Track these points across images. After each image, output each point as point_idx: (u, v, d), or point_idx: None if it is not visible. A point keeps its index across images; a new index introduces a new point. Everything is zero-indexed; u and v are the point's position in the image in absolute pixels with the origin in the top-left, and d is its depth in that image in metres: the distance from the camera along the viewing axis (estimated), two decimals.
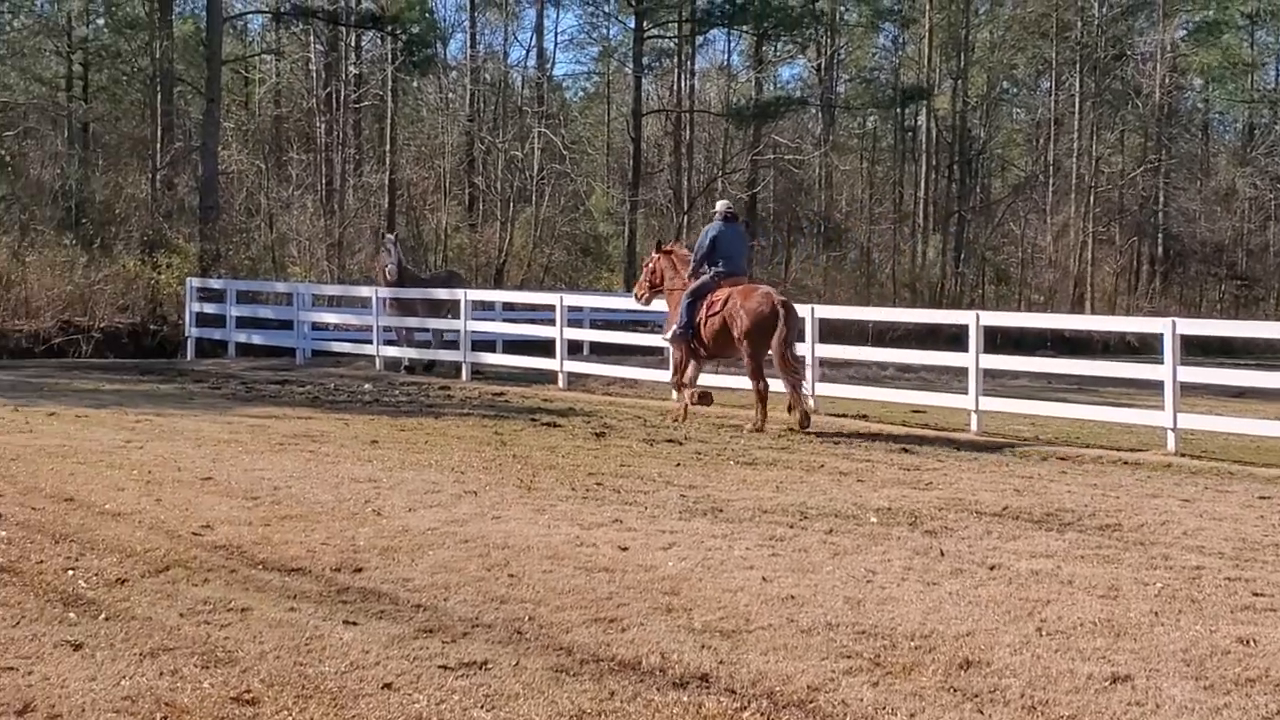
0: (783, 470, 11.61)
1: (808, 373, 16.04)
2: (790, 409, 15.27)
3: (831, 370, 18.57)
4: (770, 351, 15.00)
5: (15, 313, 29.40)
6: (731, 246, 15.91)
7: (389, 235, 25.18)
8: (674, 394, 16.70)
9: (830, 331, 18.60)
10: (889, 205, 48.68)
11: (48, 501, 9.03)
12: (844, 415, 16.40)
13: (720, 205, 17.13)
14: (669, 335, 16.32)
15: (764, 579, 7.25)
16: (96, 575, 7.01)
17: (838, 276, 43.12)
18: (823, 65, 46.67)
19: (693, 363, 15.92)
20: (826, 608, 6.68)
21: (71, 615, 6.24)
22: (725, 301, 15.32)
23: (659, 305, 17.23)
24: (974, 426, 15.24)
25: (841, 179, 50.01)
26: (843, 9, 47.70)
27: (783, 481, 10.89)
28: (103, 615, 6.24)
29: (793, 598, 6.86)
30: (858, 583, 7.21)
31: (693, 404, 15.73)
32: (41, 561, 7.29)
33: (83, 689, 5.23)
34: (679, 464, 11.81)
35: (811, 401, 15.86)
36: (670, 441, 13.44)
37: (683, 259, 16.40)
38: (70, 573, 7.05)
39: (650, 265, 17.26)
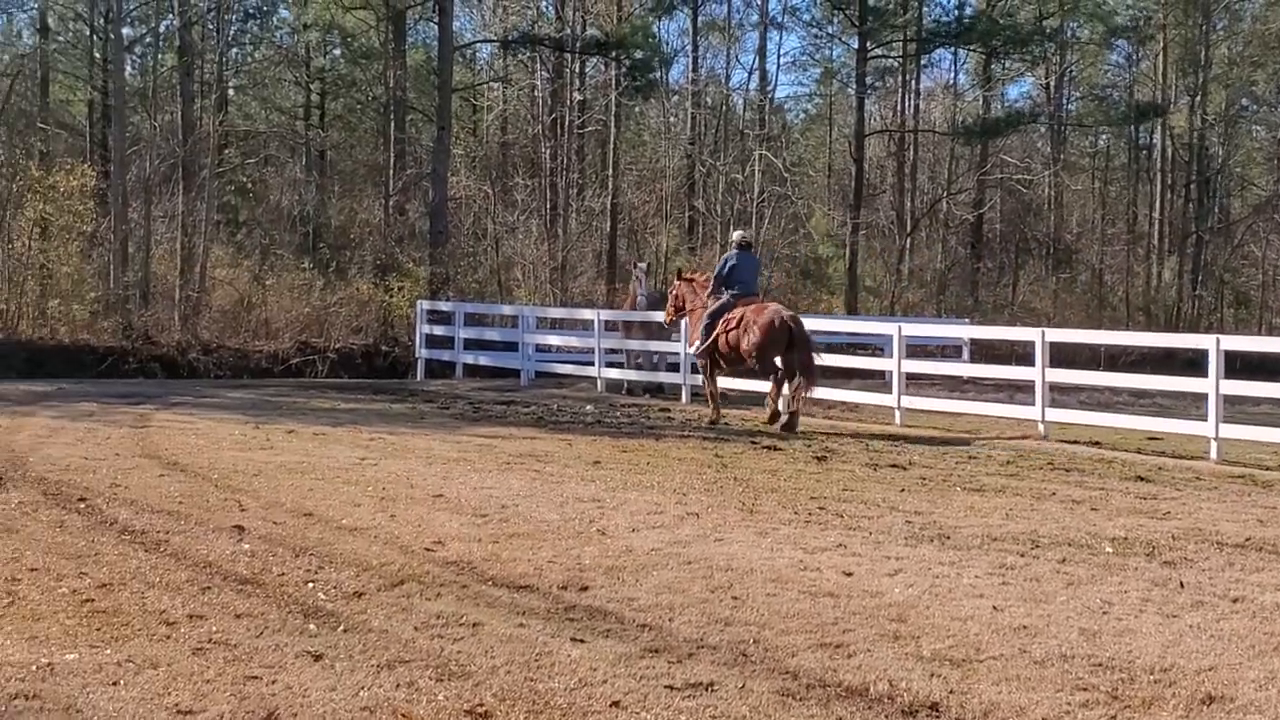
0: (1011, 497, 11.31)
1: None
2: (771, 418, 17.15)
3: (1061, 395, 18.06)
4: (788, 357, 17.12)
5: (256, 334, 30.69)
6: (745, 272, 18.09)
7: (640, 264, 25.24)
8: (708, 401, 18.57)
9: (1060, 356, 18.10)
10: (1122, 226, 47.17)
11: (288, 516, 9.35)
12: (1076, 442, 15.92)
13: (736, 235, 19.33)
14: (693, 349, 18.72)
15: (994, 608, 7.08)
16: (335, 588, 7.22)
17: (1067, 299, 42.01)
18: (1053, 83, 45.59)
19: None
20: (1061, 639, 6.48)
21: (312, 626, 6.44)
22: (740, 319, 17.43)
23: (870, 328, 17.68)
24: (1213, 454, 14.61)
25: (1072, 199, 48.71)
26: (1074, 25, 46.46)
27: (1012, 509, 10.61)
28: (341, 627, 6.43)
29: (1025, 627, 6.69)
30: (1093, 614, 6.97)
31: (716, 419, 17.80)
32: (283, 574, 7.54)
33: (323, 699, 5.39)
34: (903, 489, 11.62)
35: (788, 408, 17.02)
36: (894, 466, 13.24)
37: (702, 284, 18.82)
38: (310, 585, 7.28)
39: (674, 291, 19.61)
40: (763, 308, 17.56)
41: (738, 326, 17.44)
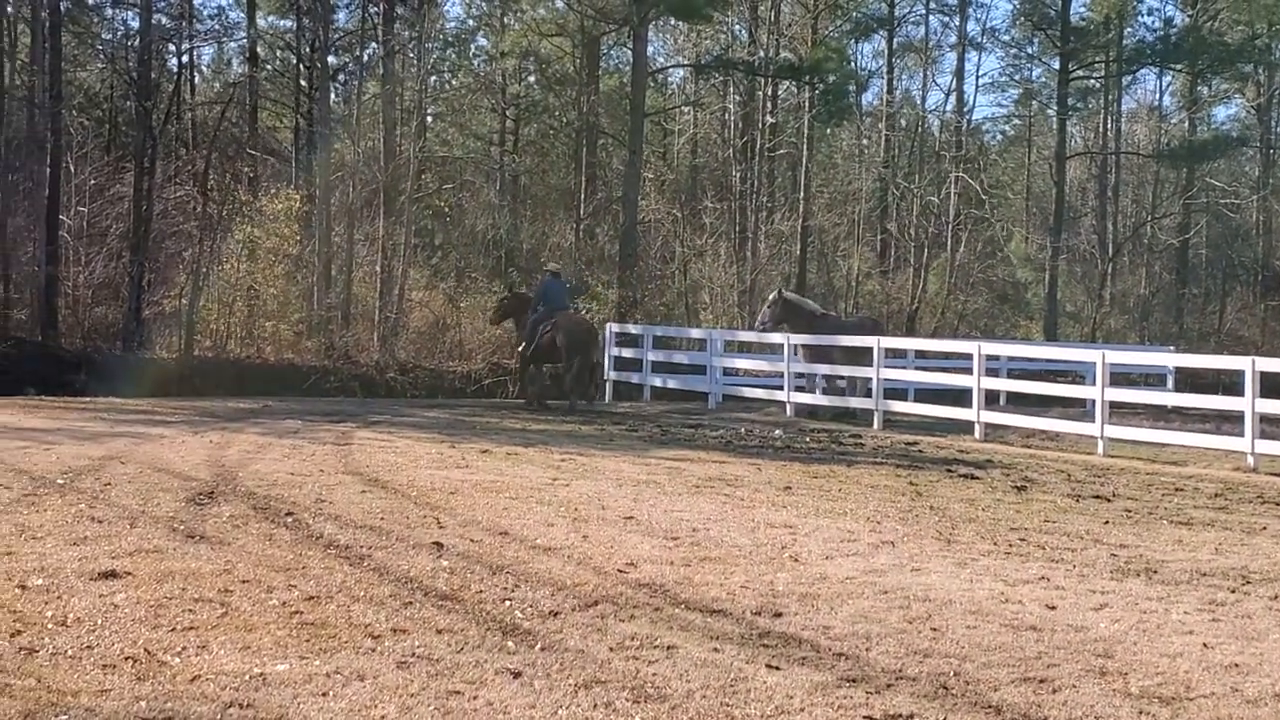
0: (1221, 531, 10.90)
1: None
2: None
3: (1271, 427, 17.33)
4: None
5: (450, 354, 31.38)
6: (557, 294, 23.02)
7: (773, 294, 25.11)
8: None
9: (1271, 386, 17.39)
10: None
11: (484, 534, 9.49)
12: None
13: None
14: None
15: (1205, 645, 6.86)
16: (531, 606, 7.30)
17: (1277, 327, 40.42)
18: (1262, 104, 43.97)
19: None
20: (1275, 677, 6.26)
21: (510, 644, 6.51)
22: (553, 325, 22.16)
23: (1070, 354, 16.86)
24: None
25: None
26: None
27: (1222, 543, 10.22)
28: (538, 645, 6.49)
29: (1237, 666, 6.46)
30: None
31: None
32: (481, 591, 7.65)
33: (523, 716, 5.45)
34: (1107, 521, 11.28)
35: None
36: (1097, 497, 12.87)
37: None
38: (507, 603, 7.37)
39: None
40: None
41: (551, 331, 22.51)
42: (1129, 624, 7.31)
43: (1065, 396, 21.52)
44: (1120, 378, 24.23)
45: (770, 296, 24.34)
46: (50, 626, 6.59)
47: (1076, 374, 26.86)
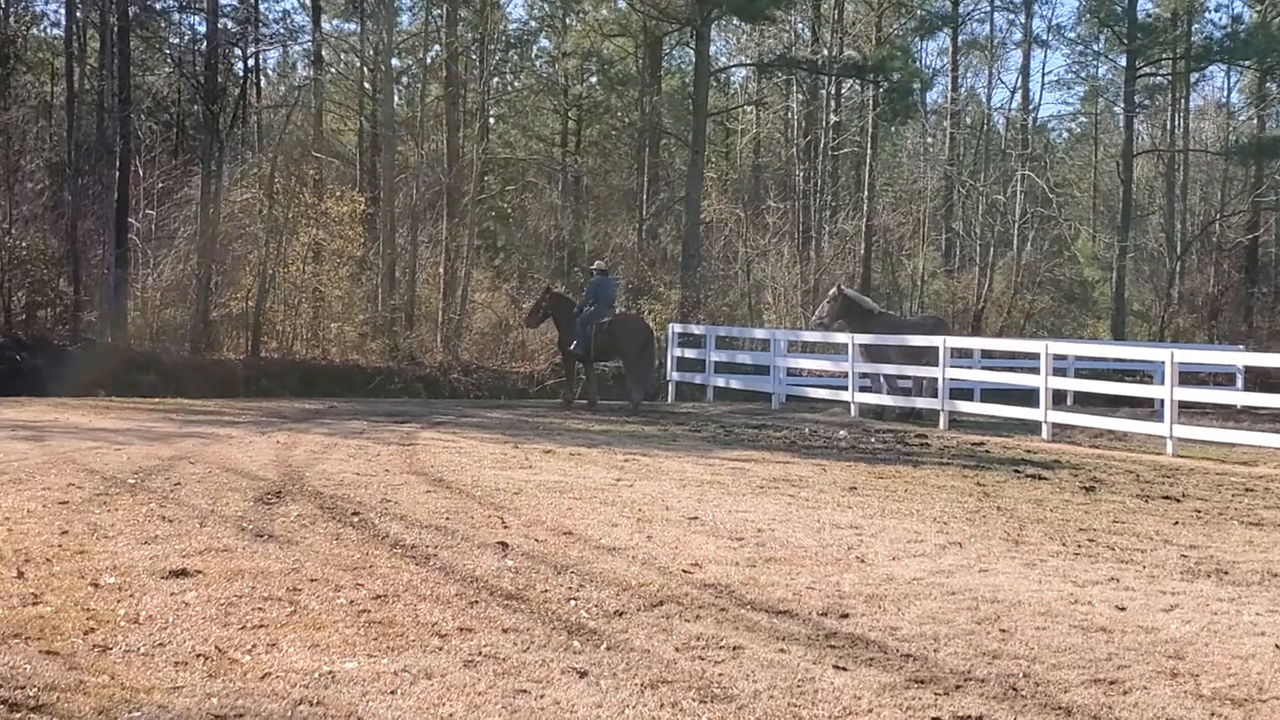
0: None
1: None
2: None
3: None
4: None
5: (513, 355, 31.50)
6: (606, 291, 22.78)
7: (833, 290, 24.98)
8: None
9: None
10: None
11: (549, 534, 9.51)
12: None
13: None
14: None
15: (1277, 646, 6.79)
16: (596, 606, 7.30)
17: None
18: None
19: None
20: None
21: (576, 643, 6.52)
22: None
23: (1138, 353, 16.50)
24: None
25: None
26: None
27: None
28: (604, 645, 6.50)
29: None
30: None
31: None
32: (546, 591, 7.67)
33: (590, 715, 5.46)
34: (1177, 522, 11.15)
35: None
36: (1167, 498, 12.71)
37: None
38: (572, 602, 7.38)
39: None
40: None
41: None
42: (1200, 625, 7.23)
43: (1133, 396, 21.29)
44: (1189, 377, 23.95)
45: (830, 292, 24.24)
46: (123, 624, 6.67)
47: (1144, 373, 26.56)
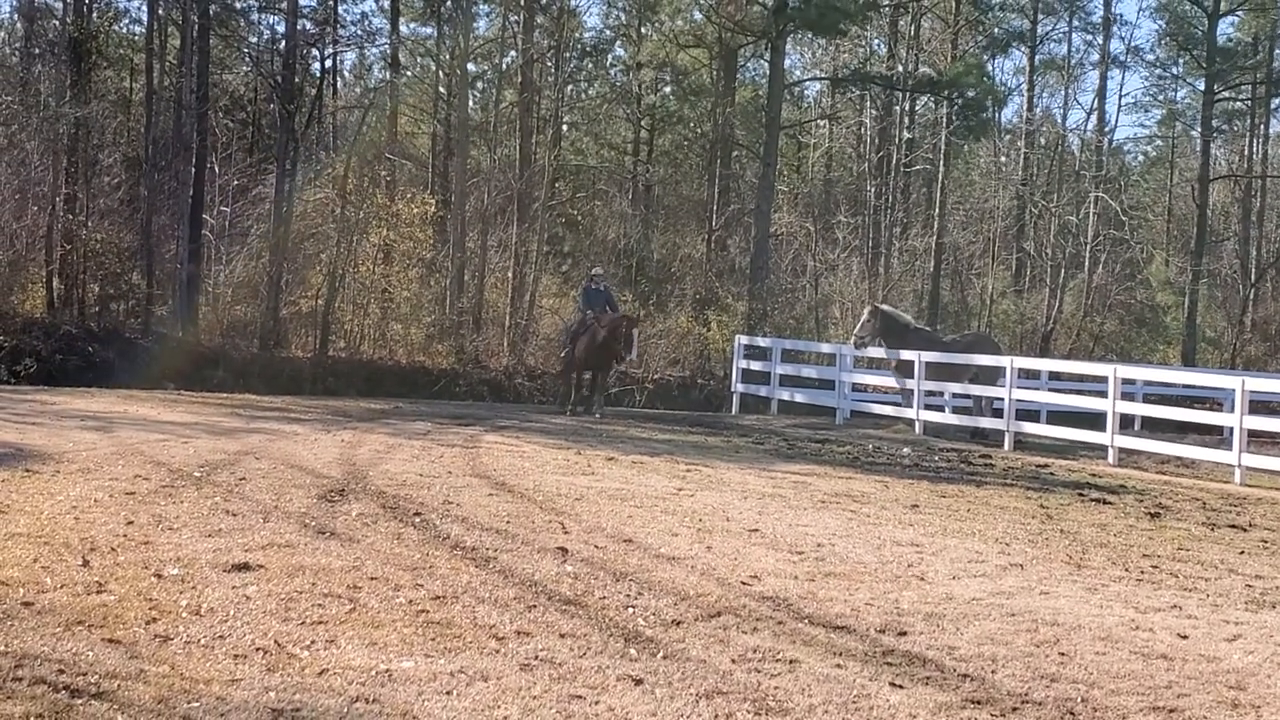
0: None
1: None
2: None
3: None
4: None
5: None
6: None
7: (868, 308, 24.82)
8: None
9: None
10: None
11: (609, 541, 9.52)
12: None
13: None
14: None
15: None
16: (654, 614, 7.31)
17: None
18: None
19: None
20: None
21: (632, 651, 6.53)
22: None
23: (1208, 380, 16.24)
24: None
25: None
26: None
27: None
28: (660, 654, 6.50)
29: None
30: None
31: None
32: (604, 597, 7.68)
33: None
34: (1243, 551, 10.99)
35: None
36: (1233, 527, 12.54)
37: None
38: (630, 610, 7.39)
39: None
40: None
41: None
42: (1263, 656, 7.12)
43: (1202, 423, 20.98)
44: (1260, 406, 23.56)
45: (866, 311, 24.17)
46: (184, 615, 6.75)
47: (1214, 400, 26.19)
